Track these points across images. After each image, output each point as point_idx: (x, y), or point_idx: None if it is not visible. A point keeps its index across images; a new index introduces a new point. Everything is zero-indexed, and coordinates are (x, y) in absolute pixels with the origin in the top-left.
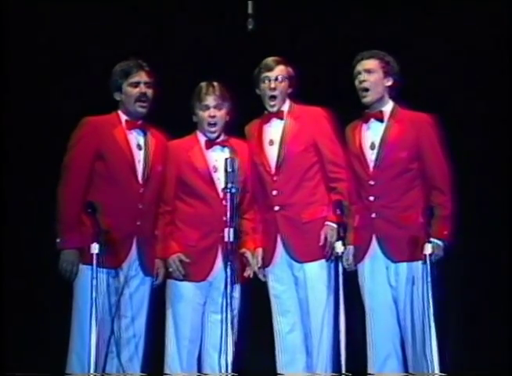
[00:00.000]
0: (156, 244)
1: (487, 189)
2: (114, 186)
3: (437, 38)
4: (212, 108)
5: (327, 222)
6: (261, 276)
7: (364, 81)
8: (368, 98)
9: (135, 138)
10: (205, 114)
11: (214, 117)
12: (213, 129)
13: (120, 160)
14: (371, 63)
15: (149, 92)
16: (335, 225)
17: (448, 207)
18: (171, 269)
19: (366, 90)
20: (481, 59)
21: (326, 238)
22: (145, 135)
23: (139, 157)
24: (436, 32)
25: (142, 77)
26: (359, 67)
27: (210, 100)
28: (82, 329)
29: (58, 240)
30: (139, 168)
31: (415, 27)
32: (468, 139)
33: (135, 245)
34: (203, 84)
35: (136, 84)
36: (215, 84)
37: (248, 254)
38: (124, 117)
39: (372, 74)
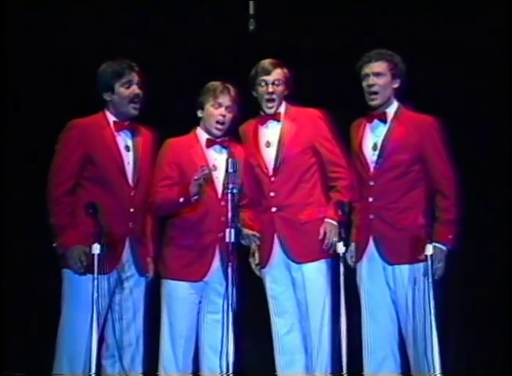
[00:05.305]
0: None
1: (490, 192)
2: (105, 189)
3: (440, 39)
4: (225, 107)
5: (326, 219)
6: (257, 272)
7: (373, 85)
8: (376, 101)
9: (123, 139)
10: (216, 112)
11: (224, 116)
12: (220, 127)
13: (110, 163)
14: (380, 66)
15: (141, 92)
16: (335, 223)
17: (452, 211)
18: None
19: (375, 93)
20: (489, 61)
21: (325, 233)
22: (133, 135)
23: (128, 158)
24: (438, 32)
25: (134, 77)
26: (367, 70)
27: (226, 100)
28: (75, 332)
29: (55, 245)
30: (129, 170)
31: (415, 28)
32: (472, 141)
33: (129, 246)
34: (218, 83)
35: (129, 85)
36: (229, 85)
37: (247, 231)
38: (111, 119)
39: (380, 78)
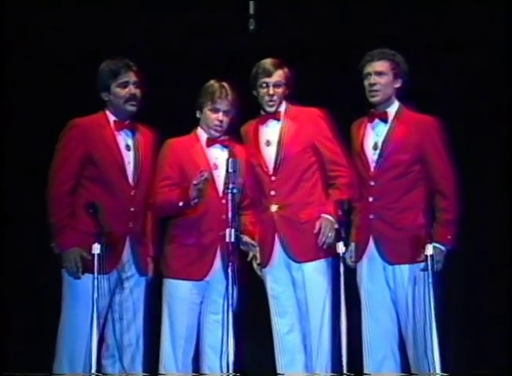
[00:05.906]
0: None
1: (489, 192)
2: (106, 189)
3: (440, 39)
4: (222, 112)
5: (323, 215)
6: (258, 272)
7: (374, 83)
8: (376, 98)
9: (124, 139)
10: (213, 116)
11: (221, 121)
12: (218, 133)
13: (110, 162)
14: (382, 65)
15: (138, 92)
16: (331, 218)
17: (452, 211)
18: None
19: (376, 91)
20: (489, 61)
21: (320, 228)
22: (133, 135)
23: (129, 158)
24: (439, 32)
25: (131, 77)
26: (369, 69)
27: (223, 105)
28: (75, 332)
29: (52, 245)
30: (129, 170)
31: (416, 28)
32: (472, 141)
33: (129, 246)
34: (217, 85)
35: (125, 85)
36: (227, 87)
37: (247, 239)
38: (112, 118)
39: (382, 77)
